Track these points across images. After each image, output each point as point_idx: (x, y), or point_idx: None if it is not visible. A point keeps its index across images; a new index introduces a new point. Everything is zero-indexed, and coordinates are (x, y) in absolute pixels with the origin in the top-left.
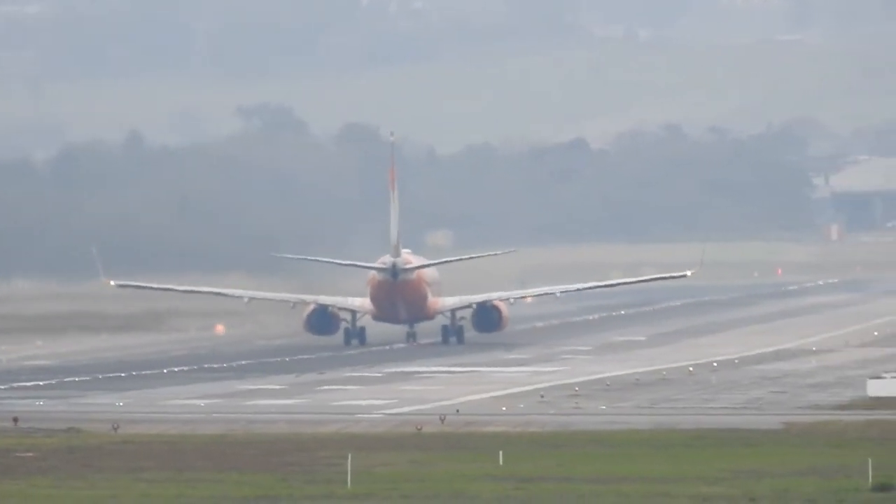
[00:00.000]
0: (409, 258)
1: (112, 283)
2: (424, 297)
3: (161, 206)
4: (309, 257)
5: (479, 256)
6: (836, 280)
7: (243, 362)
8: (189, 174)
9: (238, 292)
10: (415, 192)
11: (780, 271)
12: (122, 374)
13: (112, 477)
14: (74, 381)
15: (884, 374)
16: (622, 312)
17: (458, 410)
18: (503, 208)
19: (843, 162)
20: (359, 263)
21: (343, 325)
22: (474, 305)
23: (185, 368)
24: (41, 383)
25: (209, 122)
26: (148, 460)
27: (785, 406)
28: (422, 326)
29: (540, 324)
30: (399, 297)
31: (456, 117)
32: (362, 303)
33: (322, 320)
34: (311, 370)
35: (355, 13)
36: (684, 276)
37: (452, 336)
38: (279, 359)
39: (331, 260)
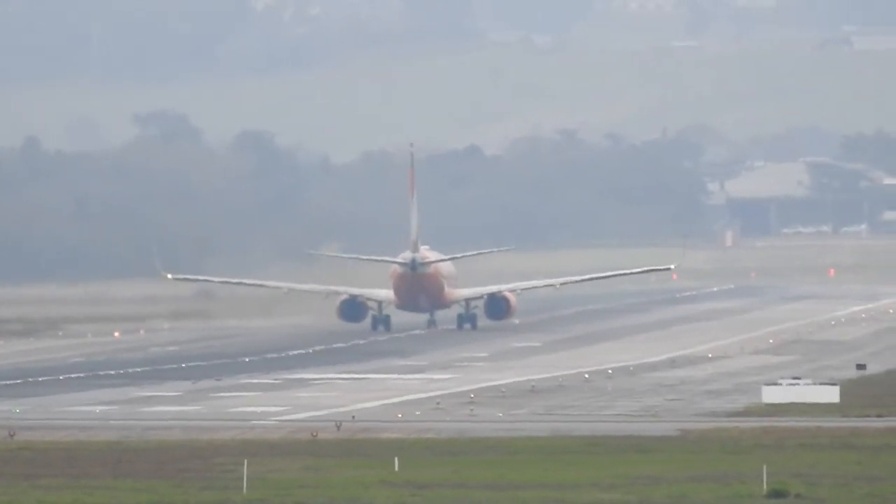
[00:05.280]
0: (426, 254)
1: (169, 276)
2: (441, 288)
3: (57, 211)
4: (341, 254)
5: (485, 252)
6: (731, 286)
7: (139, 369)
8: (85, 180)
9: (278, 284)
10: (309, 201)
11: (675, 277)
12: (19, 381)
13: (8, 484)
14: None
15: (779, 381)
16: (516, 321)
17: (353, 417)
18: (398, 216)
19: (738, 168)
20: (381, 258)
21: (371, 313)
22: (485, 296)
23: (82, 375)
24: None
25: (105, 128)
26: (44, 467)
27: (680, 413)
28: (440, 314)
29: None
30: (418, 288)
31: (351, 124)
32: (387, 293)
33: (352, 309)
34: (208, 377)
35: (250, 19)
36: (669, 269)
37: (467, 323)
38: (175, 365)
39: (357, 256)
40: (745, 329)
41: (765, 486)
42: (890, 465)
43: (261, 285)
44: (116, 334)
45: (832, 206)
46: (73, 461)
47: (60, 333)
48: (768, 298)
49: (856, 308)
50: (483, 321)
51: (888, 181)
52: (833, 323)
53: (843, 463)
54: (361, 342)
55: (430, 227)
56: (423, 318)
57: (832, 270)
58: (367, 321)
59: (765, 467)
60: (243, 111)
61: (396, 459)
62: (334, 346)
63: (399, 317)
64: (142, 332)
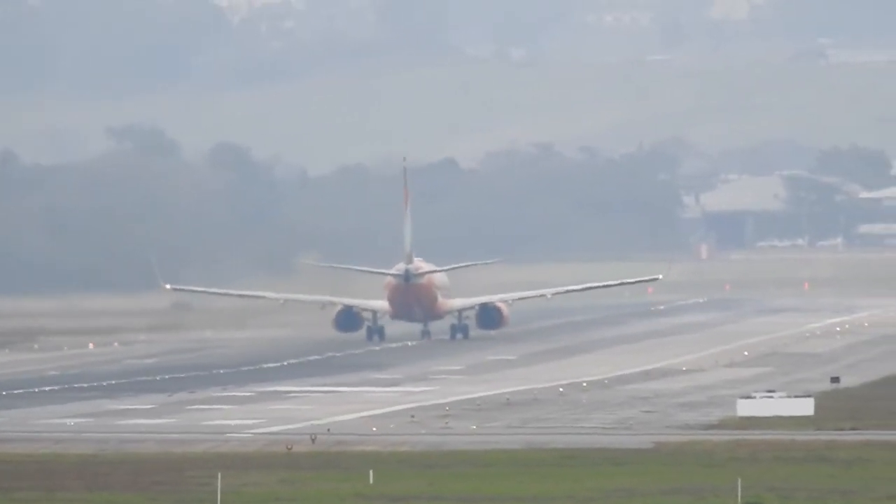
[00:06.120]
0: (420, 265)
1: (168, 286)
2: (434, 299)
3: (32, 223)
4: (333, 264)
5: (481, 263)
6: (705, 299)
7: (114, 381)
8: (61, 193)
9: (275, 295)
10: (286, 215)
11: (650, 290)
12: None
13: None
14: None
15: (753, 394)
16: (492, 333)
17: (328, 430)
18: (375, 229)
19: (713, 181)
20: (375, 270)
21: (366, 323)
22: (478, 307)
23: (57, 388)
24: None
25: (81, 141)
26: (18, 480)
27: (655, 425)
28: (435, 324)
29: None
30: (412, 299)
31: (328, 138)
32: (381, 304)
33: (348, 319)
34: (182, 390)
35: (226, 33)
36: (656, 279)
37: (459, 333)
38: (150, 378)
39: (351, 266)
40: (719, 342)
41: (739, 499)
42: (864, 478)
43: (259, 296)
44: (91, 346)
45: (808, 220)
46: (48, 474)
47: (36, 346)
48: (743, 311)
49: (831, 321)
50: (476, 331)
51: (864, 195)
52: (808, 336)
53: (818, 476)
54: (338, 355)
55: (402, 241)
56: (417, 327)
57: (807, 284)
58: (363, 331)
59: (739, 480)
60: (219, 124)
61: (371, 472)
62: (310, 358)
63: (394, 327)
64: (116, 344)
